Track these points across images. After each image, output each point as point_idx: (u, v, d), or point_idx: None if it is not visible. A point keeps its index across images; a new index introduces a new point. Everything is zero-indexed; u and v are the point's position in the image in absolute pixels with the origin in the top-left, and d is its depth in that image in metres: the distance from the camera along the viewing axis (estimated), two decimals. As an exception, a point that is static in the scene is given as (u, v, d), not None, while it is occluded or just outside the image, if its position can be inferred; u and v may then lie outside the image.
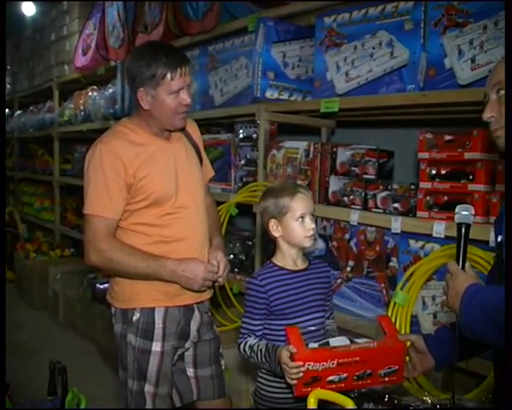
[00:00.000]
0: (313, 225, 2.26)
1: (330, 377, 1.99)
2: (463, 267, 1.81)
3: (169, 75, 2.35)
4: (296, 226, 2.26)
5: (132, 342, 2.46)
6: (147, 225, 2.44)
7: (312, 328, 2.25)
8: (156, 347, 2.45)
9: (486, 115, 1.77)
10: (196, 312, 2.57)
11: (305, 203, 2.26)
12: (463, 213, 1.83)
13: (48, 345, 5.41)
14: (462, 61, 2.74)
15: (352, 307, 3.31)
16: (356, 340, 2.11)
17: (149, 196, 2.40)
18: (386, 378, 2.08)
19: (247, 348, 2.25)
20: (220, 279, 2.54)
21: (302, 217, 2.25)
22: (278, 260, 2.35)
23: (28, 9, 8.24)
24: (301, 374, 1.98)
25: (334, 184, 3.38)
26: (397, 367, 2.07)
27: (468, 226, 1.83)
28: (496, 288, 1.65)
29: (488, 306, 1.59)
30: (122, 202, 2.39)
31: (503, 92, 1.71)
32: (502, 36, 2.57)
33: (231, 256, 4.27)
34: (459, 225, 1.84)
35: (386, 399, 2.44)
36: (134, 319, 2.46)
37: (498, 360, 1.79)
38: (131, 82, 2.45)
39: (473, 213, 1.83)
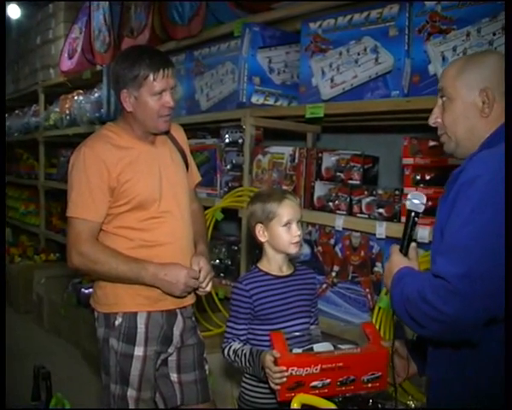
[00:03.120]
0: (299, 232, 2.27)
1: (314, 383, 2.00)
2: (406, 252, 1.86)
3: (151, 76, 2.36)
4: (282, 232, 2.26)
5: (115, 346, 2.45)
6: (130, 228, 2.43)
7: (297, 333, 2.26)
8: (138, 351, 2.44)
9: (430, 121, 1.83)
10: (179, 317, 2.56)
11: (291, 210, 2.27)
12: (414, 201, 1.88)
13: (32, 350, 5.38)
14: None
15: (337, 311, 3.32)
16: (340, 346, 2.12)
17: (132, 199, 2.40)
18: (370, 385, 2.08)
19: (231, 353, 2.26)
20: (203, 285, 2.51)
21: (288, 223, 2.26)
22: (264, 265, 2.36)
23: (13, 12, 8.22)
24: (285, 379, 1.99)
25: (320, 189, 3.39)
26: (380, 374, 2.08)
27: (417, 214, 1.88)
28: (417, 276, 1.70)
29: (404, 291, 1.65)
30: (105, 205, 2.39)
31: (445, 98, 1.76)
32: (484, 43, 2.60)
33: (217, 261, 4.27)
34: (409, 212, 1.89)
35: (370, 403, 2.46)
36: (116, 323, 2.45)
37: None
38: (115, 84, 2.45)
39: (424, 202, 1.87)
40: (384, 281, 1.85)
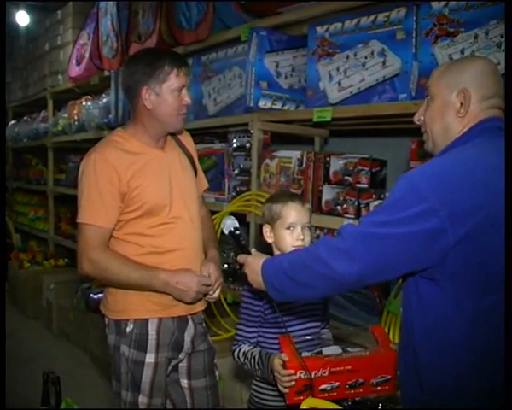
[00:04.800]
0: (302, 237, 2.23)
1: (322, 386, 2.00)
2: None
3: (175, 72, 2.39)
4: (285, 234, 2.25)
5: (126, 353, 2.45)
6: (140, 235, 2.43)
7: (308, 337, 2.26)
8: (150, 358, 2.44)
9: (415, 118, 1.92)
10: (190, 323, 2.56)
11: (296, 213, 2.25)
12: (228, 222, 2.27)
13: (41, 355, 5.40)
14: (454, 70, 2.75)
15: (346, 315, 3.32)
16: (349, 349, 2.12)
17: (143, 205, 2.39)
18: (379, 388, 2.08)
19: (240, 355, 2.26)
20: (212, 292, 2.51)
21: (292, 226, 2.24)
22: None
23: (22, 19, 8.27)
24: (293, 382, 1.99)
25: (328, 193, 3.39)
26: (389, 376, 2.07)
27: (235, 228, 2.26)
28: (289, 252, 2.03)
29: (284, 261, 1.85)
30: (116, 211, 2.38)
31: (429, 97, 1.84)
32: (492, 45, 2.59)
33: (225, 266, 4.26)
34: (230, 233, 2.26)
35: (379, 407, 2.45)
36: (127, 330, 2.45)
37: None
38: (134, 83, 2.44)
39: (233, 218, 2.30)
40: (254, 283, 2.01)
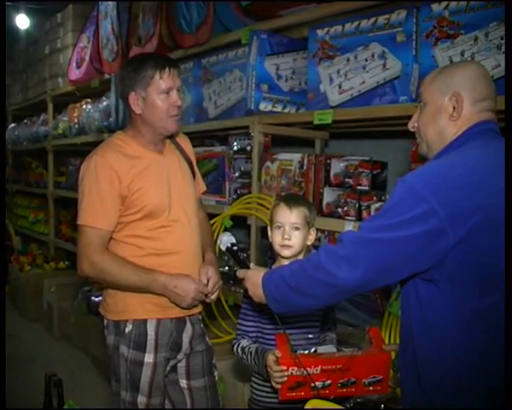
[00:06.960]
0: (287, 236, 2.26)
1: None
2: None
3: (158, 74, 2.39)
4: (273, 234, 2.31)
5: (125, 353, 2.46)
6: (140, 237, 2.44)
7: (310, 336, 2.29)
8: (149, 358, 2.46)
9: (409, 125, 1.94)
10: (188, 323, 2.58)
11: (282, 213, 2.28)
12: (225, 238, 2.30)
13: (42, 357, 5.42)
14: (454, 72, 2.76)
15: (347, 317, 3.32)
16: (343, 349, 2.14)
17: (143, 208, 2.41)
18: (371, 388, 2.09)
19: (239, 350, 2.32)
20: (210, 295, 2.54)
21: (280, 225, 2.28)
22: (276, 266, 2.36)
23: (22, 22, 8.27)
24: (285, 378, 2.02)
25: (328, 195, 3.39)
26: (381, 377, 2.08)
27: (233, 244, 2.29)
28: (289, 264, 1.97)
29: (285, 272, 1.86)
30: (116, 213, 2.40)
31: (422, 103, 1.86)
32: (492, 47, 2.60)
33: (226, 268, 4.27)
34: (227, 249, 2.29)
35: (381, 408, 2.46)
36: (126, 330, 2.46)
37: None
38: (123, 88, 2.48)
39: (228, 234, 2.33)
40: (255, 296, 2.02)
